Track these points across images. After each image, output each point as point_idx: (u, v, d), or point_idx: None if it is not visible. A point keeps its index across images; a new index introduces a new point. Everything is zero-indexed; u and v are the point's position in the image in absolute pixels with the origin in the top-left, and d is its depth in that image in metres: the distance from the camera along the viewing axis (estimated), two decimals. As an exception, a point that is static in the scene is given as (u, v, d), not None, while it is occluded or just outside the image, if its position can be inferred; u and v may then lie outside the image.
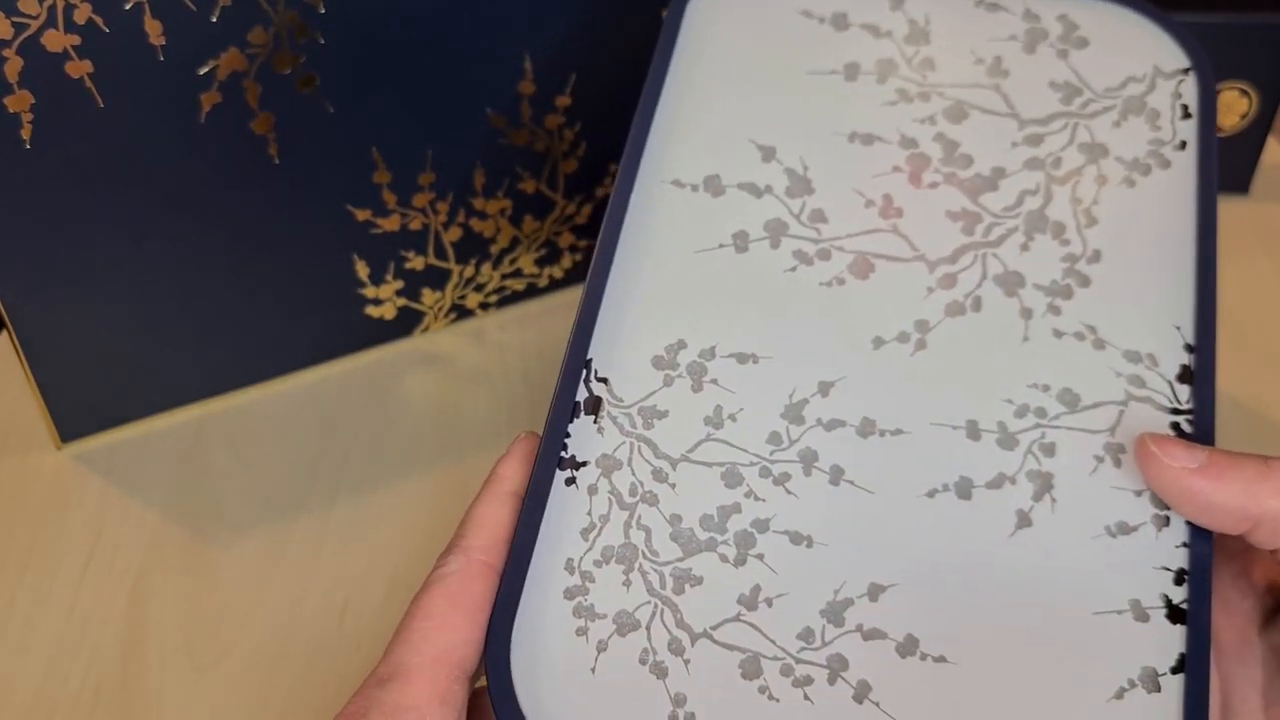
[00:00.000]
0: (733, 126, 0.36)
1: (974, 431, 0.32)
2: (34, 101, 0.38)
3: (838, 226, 0.34)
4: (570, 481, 0.31)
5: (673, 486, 0.31)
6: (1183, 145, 0.36)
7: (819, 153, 0.35)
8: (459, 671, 0.28)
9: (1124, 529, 0.30)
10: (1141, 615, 0.29)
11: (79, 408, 0.46)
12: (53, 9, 0.36)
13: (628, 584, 0.30)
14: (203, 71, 0.40)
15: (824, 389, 0.32)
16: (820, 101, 0.36)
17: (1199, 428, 0.32)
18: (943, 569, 0.30)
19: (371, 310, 0.49)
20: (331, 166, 0.44)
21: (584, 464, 0.31)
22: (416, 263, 0.49)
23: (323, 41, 0.41)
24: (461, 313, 0.52)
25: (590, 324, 0.33)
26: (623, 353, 0.32)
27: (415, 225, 0.47)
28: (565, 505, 0.31)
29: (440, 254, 0.49)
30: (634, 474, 0.31)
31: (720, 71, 0.37)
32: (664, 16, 0.37)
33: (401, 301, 0.50)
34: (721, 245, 0.34)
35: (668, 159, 0.35)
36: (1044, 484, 0.31)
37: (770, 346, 0.33)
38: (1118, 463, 0.31)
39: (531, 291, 0.53)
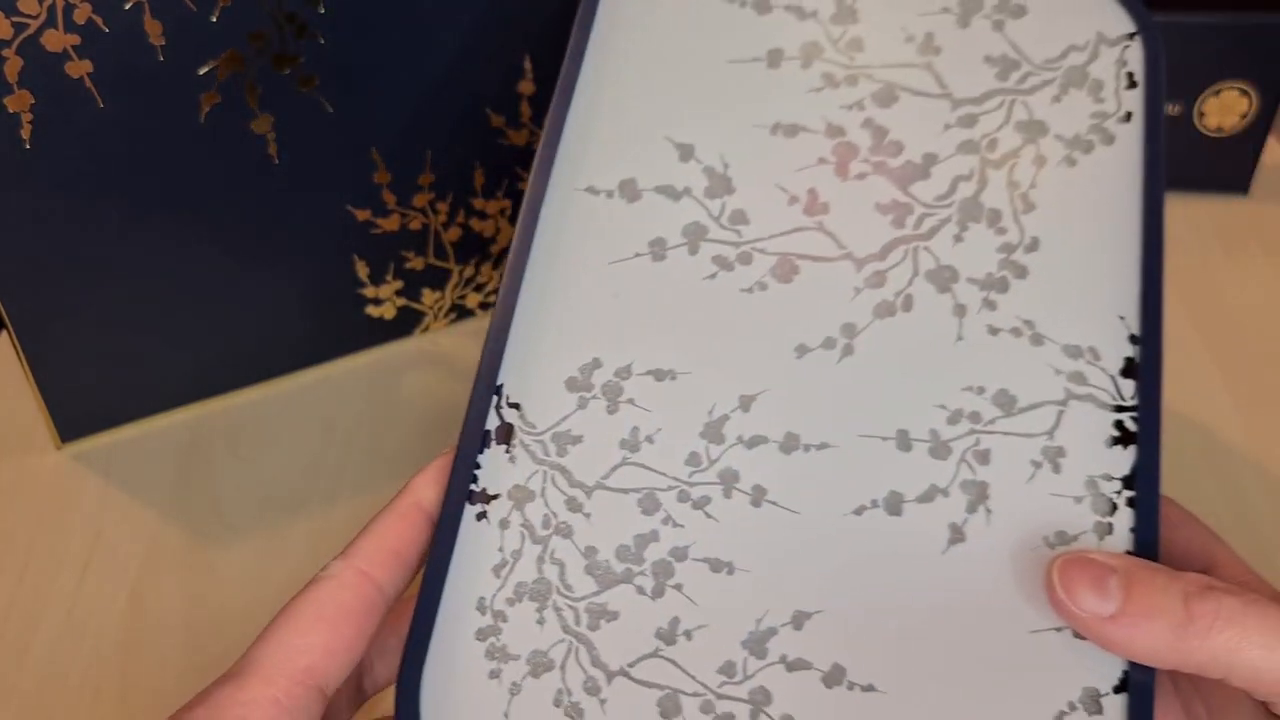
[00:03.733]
0: (649, 125, 0.34)
1: (904, 442, 0.30)
2: (34, 101, 0.38)
3: (760, 227, 0.32)
4: (481, 516, 0.30)
5: (587, 516, 0.30)
6: (1128, 117, 0.33)
7: (740, 148, 0.33)
8: (304, 677, 0.28)
9: (1063, 539, 0.29)
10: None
11: (79, 408, 0.46)
12: (53, 9, 0.36)
13: (541, 622, 0.29)
14: (203, 71, 0.40)
15: (745, 403, 0.31)
16: (741, 92, 0.34)
17: (1144, 425, 0.30)
18: (871, 591, 0.29)
19: (371, 310, 0.49)
20: (331, 166, 0.44)
21: (495, 496, 0.30)
22: (416, 263, 0.49)
23: (323, 41, 0.41)
24: (461, 313, 0.52)
25: (500, 347, 0.31)
26: (535, 376, 0.31)
27: (415, 225, 0.47)
28: (476, 541, 0.29)
29: (440, 254, 0.49)
30: (547, 505, 0.30)
31: (637, 66, 0.35)
32: (579, 7, 0.35)
33: (401, 301, 0.50)
34: (637, 254, 0.32)
35: (581, 164, 0.33)
36: (978, 494, 0.29)
37: (689, 361, 0.31)
38: (1056, 468, 0.30)
39: (531, 291, 0.53)
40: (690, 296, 0.32)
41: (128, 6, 0.37)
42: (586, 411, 0.31)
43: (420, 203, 0.47)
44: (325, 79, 0.42)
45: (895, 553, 0.29)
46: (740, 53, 0.35)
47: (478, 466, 0.30)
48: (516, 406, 0.31)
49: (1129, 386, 0.30)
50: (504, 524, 0.30)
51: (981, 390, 0.31)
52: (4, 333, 0.45)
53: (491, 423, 0.31)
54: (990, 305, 0.31)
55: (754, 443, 0.30)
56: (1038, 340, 0.31)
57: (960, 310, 0.31)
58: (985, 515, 0.29)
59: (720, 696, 0.28)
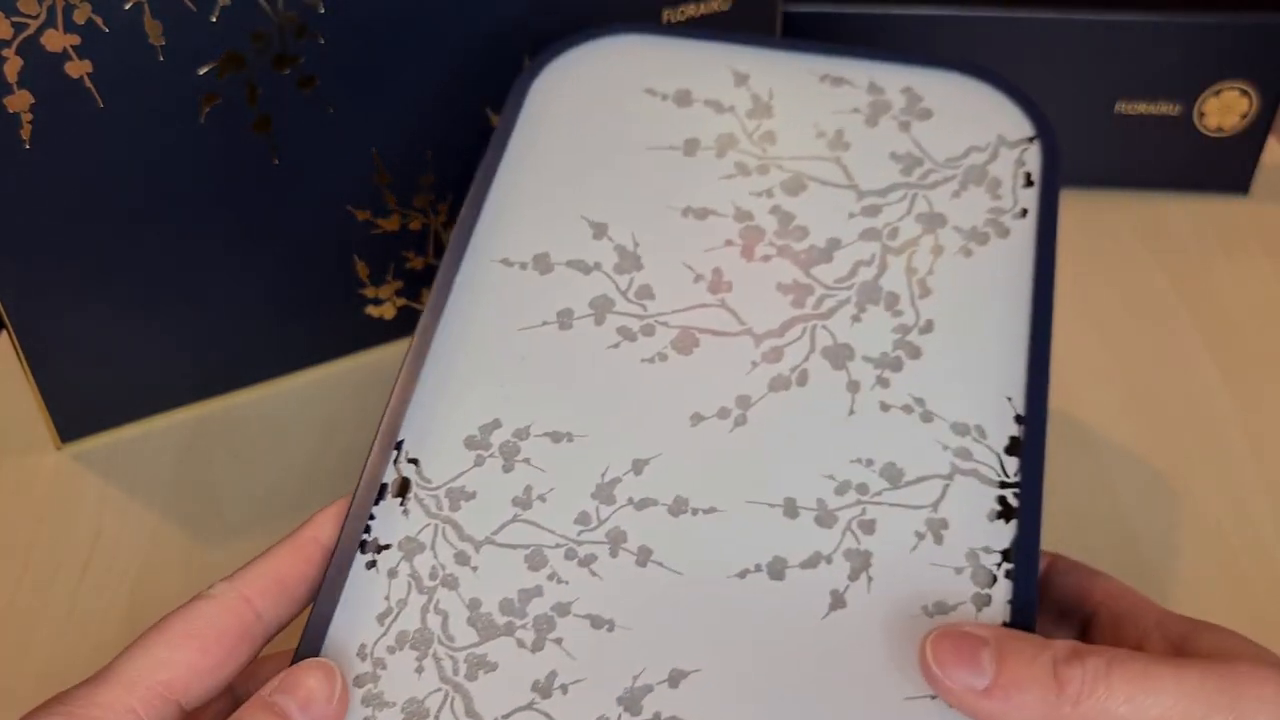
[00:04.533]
0: (567, 203, 0.36)
1: (791, 509, 0.31)
2: (34, 101, 0.38)
3: (664, 302, 0.34)
4: (371, 565, 0.30)
5: (474, 570, 0.30)
6: (1023, 213, 0.35)
7: (651, 228, 0.35)
8: (164, 690, 0.28)
9: (941, 609, 0.29)
10: None
11: (79, 408, 0.46)
12: (52, 9, 0.36)
13: (420, 670, 0.29)
14: (203, 71, 0.40)
15: (638, 467, 0.31)
16: (657, 177, 0.36)
17: (1025, 501, 0.31)
18: (750, 653, 0.29)
19: (371, 310, 0.49)
20: (331, 166, 0.44)
21: (386, 547, 0.31)
22: (416, 263, 0.49)
23: (323, 41, 0.41)
24: (461, 313, 0.52)
25: (404, 404, 0.32)
26: (436, 433, 0.32)
27: (415, 225, 0.47)
28: (364, 589, 0.30)
29: (440, 254, 0.49)
30: (436, 557, 0.30)
31: (559, 148, 0.37)
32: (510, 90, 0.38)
33: (401, 301, 0.50)
34: (545, 323, 0.34)
35: (498, 236, 0.35)
36: (861, 563, 0.30)
37: (586, 425, 0.32)
38: (939, 539, 0.30)
39: (531, 291, 0.53)
40: (593, 364, 0.33)
41: (128, 6, 0.37)
42: (483, 469, 0.32)
43: (420, 203, 0.47)
44: (325, 79, 0.42)
45: (776, 616, 0.29)
46: (659, 140, 0.37)
47: (372, 517, 0.31)
48: (415, 462, 0.32)
49: (1013, 464, 0.31)
50: (392, 574, 0.30)
51: (870, 463, 0.31)
52: (4, 333, 0.45)
53: (389, 476, 0.31)
54: (883, 383, 0.33)
55: (643, 504, 0.31)
56: (927, 417, 0.32)
57: (854, 386, 0.33)
58: (867, 583, 0.30)
59: None
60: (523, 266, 0.35)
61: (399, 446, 0.32)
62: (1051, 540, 0.44)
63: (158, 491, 0.46)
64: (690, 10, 0.46)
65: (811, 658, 0.29)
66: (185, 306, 0.45)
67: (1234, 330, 0.51)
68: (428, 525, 0.31)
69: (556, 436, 0.32)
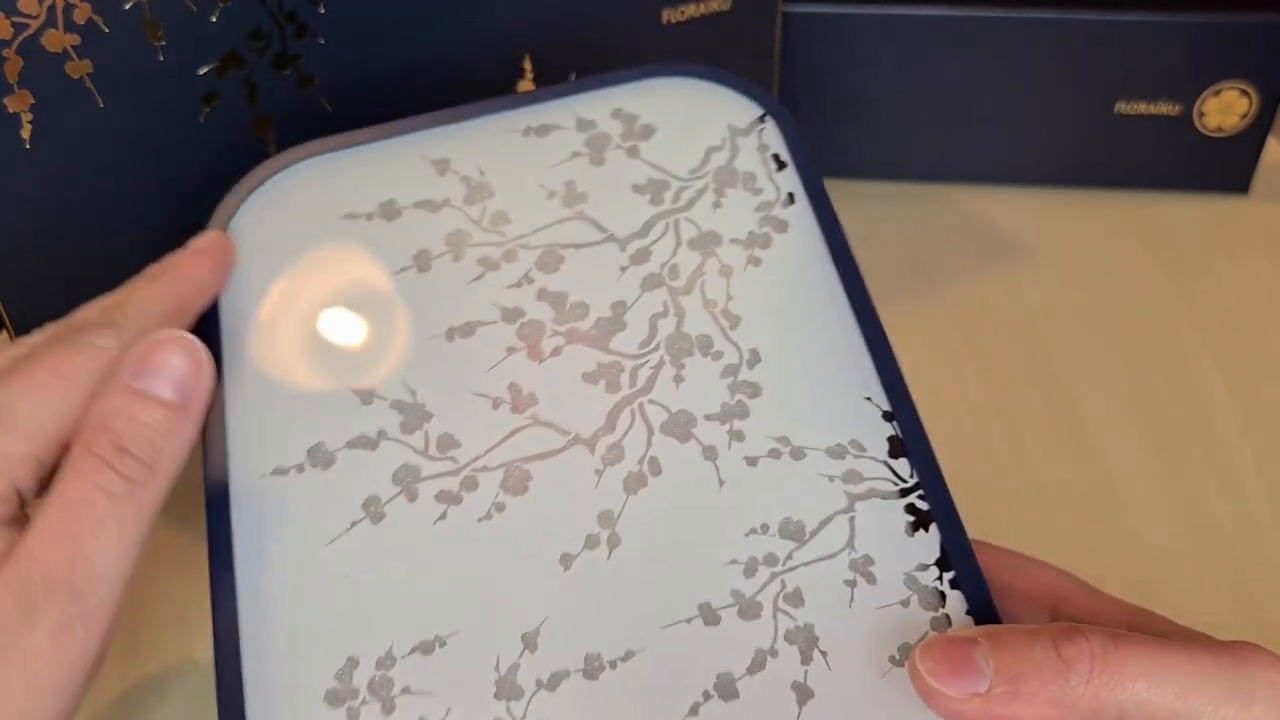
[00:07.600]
0: (315, 384, 0.31)
1: (710, 616, 0.27)
2: (34, 101, 0.38)
3: (473, 446, 0.29)
4: None
5: None
6: (790, 199, 0.33)
7: (422, 366, 0.31)
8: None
9: (906, 650, 0.27)
10: None
11: (79, 408, 0.46)
12: (53, 9, 0.37)
13: None
14: (203, 71, 0.40)
15: (529, 642, 0.27)
16: (400, 310, 0.31)
17: (933, 498, 0.29)
18: None
19: (371, 310, 0.49)
20: (331, 166, 0.44)
21: None
22: (416, 263, 0.49)
23: (323, 41, 0.41)
24: (461, 313, 0.52)
25: (237, 685, 0.27)
26: (288, 704, 0.27)
27: (415, 225, 0.47)
28: None
29: (440, 254, 0.49)
30: None
31: (274, 320, 0.31)
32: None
33: (401, 301, 0.50)
34: (353, 523, 0.29)
35: (256, 445, 0.30)
36: (807, 640, 0.27)
37: (452, 619, 0.27)
38: (871, 579, 0.28)
39: (531, 291, 0.52)
40: (426, 546, 0.28)
41: (128, 6, 0.38)
42: None
43: (420, 203, 0.47)
44: (325, 79, 0.42)
45: None
46: (385, 266, 0.32)
47: None
48: None
49: (903, 466, 0.29)
50: None
51: (765, 528, 0.28)
52: (3, 333, 0.45)
53: None
54: (738, 436, 0.29)
55: (555, 682, 0.27)
56: (798, 454, 0.29)
57: (711, 453, 0.29)
58: (823, 660, 0.27)
59: None
60: (299, 469, 0.29)
61: None
62: (1052, 543, 0.44)
63: (158, 491, 0.46)
64: (690, 10, 0.47)
65: None
66: (185, 306, 0.45)
67: (1234, 330, 0.51)
68: None
69: (427, 648, 0.27)
